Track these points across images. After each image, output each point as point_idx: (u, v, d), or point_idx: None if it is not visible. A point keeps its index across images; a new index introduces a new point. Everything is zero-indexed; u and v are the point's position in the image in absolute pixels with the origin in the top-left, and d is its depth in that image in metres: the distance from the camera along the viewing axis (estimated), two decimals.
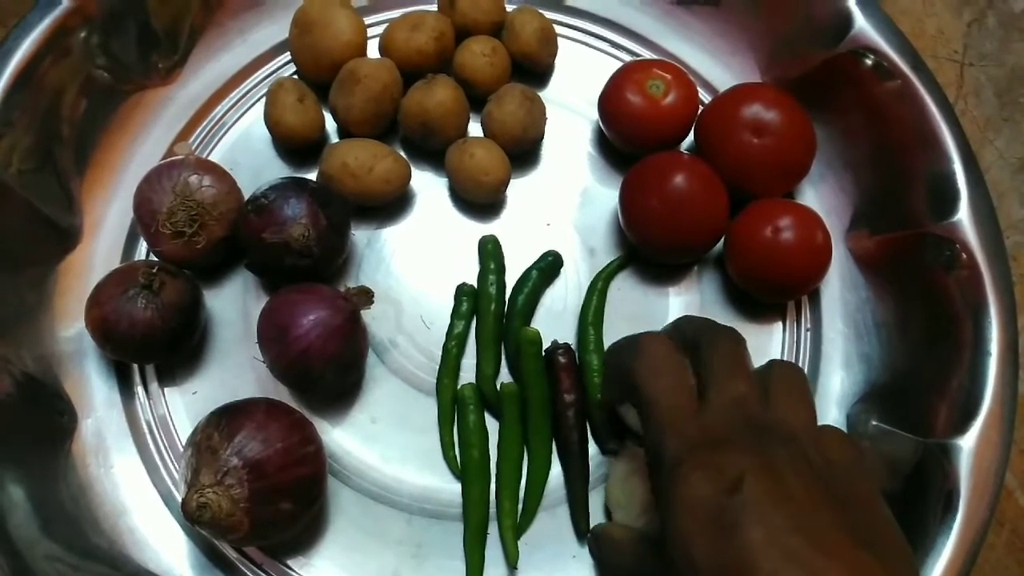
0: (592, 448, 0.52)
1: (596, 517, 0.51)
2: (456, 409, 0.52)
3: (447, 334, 0.54)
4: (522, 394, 0.52)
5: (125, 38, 0.55)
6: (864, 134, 0.56)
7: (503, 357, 0.54)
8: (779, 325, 0.56)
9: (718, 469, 0.34)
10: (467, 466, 0.51)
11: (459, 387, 0.53)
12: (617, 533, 0.45)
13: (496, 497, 0.51)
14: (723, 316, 0.55)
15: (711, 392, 0.37)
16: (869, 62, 0.54)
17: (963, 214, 0.50)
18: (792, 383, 0.39)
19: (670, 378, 0.39)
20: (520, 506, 0.51)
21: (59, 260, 0.53)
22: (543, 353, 0.53)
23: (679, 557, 0.33)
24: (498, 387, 0.52)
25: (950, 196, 0.51)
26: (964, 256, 0.50)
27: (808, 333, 0.55)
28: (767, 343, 0.55)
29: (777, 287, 0.53)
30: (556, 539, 0.50)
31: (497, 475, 0.51)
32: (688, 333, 0.41)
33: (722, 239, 0.55)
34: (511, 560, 0.49)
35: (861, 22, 0.54)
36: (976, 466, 0.46)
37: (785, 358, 0.55)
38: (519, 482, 0.51)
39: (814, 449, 0.36)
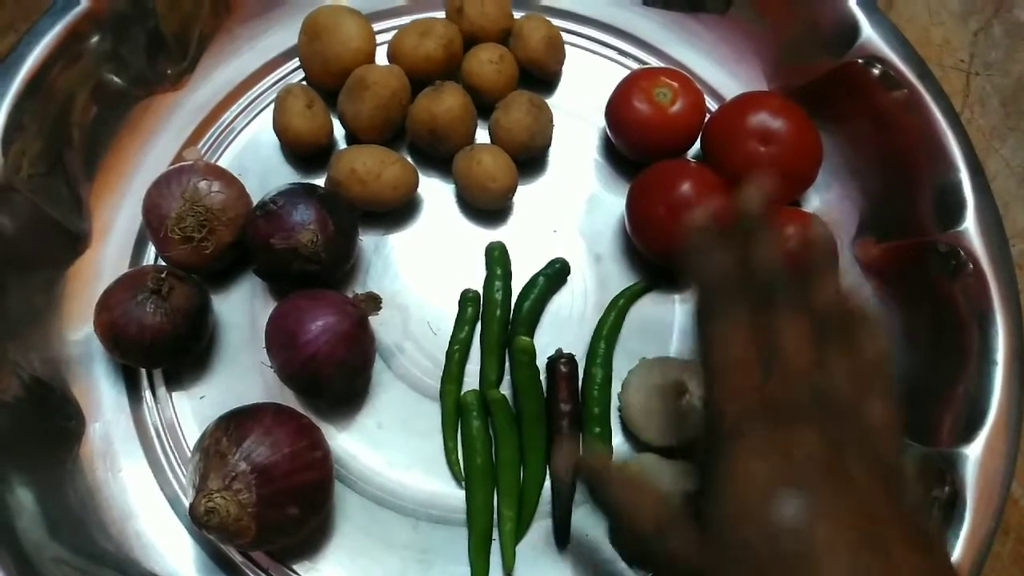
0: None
1: (578, 528, 0.51)
2: (460, 415, 0.53)
3: (451, 339, 0.54)
4: (516, 403, 0.52)
5: (135, 44, 0.55)
6: (870, 143, 0.56)
7: (507, 364, 0.54)
8: None
9: (781, 449, 0.32)
10: (470, 472, 0.51)
11: (462, 393, 0.53)
12: (636, 484, 0.38)
13: (497, 503, 0.51)
14: None
15: (778, 361, 0.35)
16: (876, 71, 0.54)
17: (969, 223, 0.50)
18: (843, 336, 0.36)
19: (738, 347, 0.35)
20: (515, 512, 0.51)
21: (68, 264, 0.53)
22: (546, 360, 0.53)
23: (728, 534, 0.31)
24: (490, 395, 0.52)
25: (956, 205, 0.51)
26: (970, 265, 0.50)
27: None
28: None
29: None
30: (556, 546, 0.51)
31: (496, 481, 0.51)
32: (758, 276, 0.37)
33: None
34: (507, 566, 0.49)
35: (868, 31, 0.54)
36: (982, 475, 0.46)
37: None
38: (517, 488, 0.51)
39: (877, 434, 0.34)
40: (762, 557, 0.30)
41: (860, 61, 0.55)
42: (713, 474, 0.33)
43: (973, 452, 0.46)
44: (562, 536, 0.50)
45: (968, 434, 0.47)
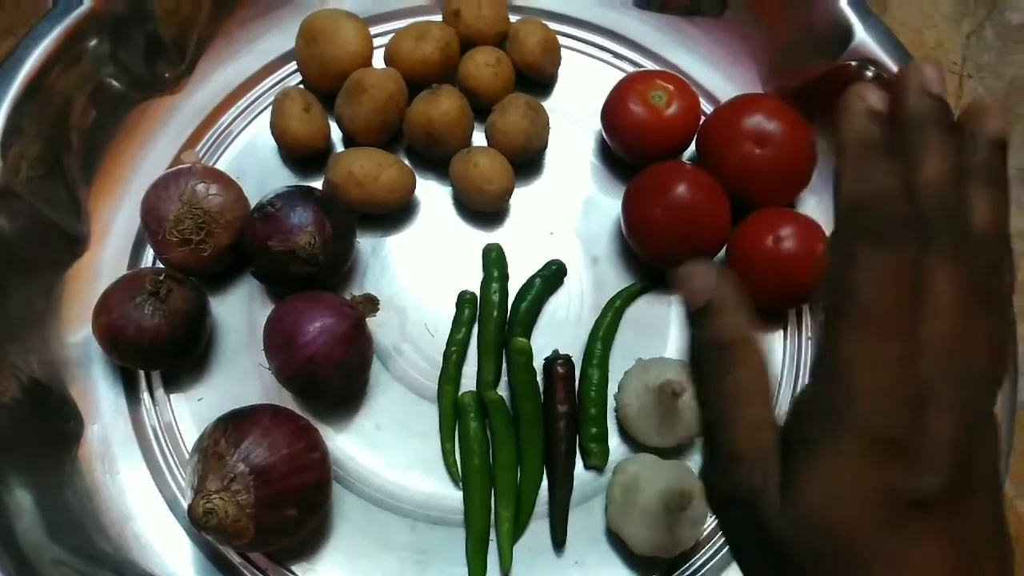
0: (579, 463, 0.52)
1: (575, 528, 0.51)
2: (457, 416, 0.53)
3: (448, 341, 0.54)
4: (513, 404, 0.52)
5: (133, 47, 0.56)
6: None
7: (505, 365, 0.54)
8: (780, 334, 0.56)
9: (914, 449, 0.25)
10: (468, 473, 0.51)
11: (460, 394, 0.53)
12: (757, 387, 0.29)
13: (494, 504, 0.51)
14: None
15: (925, 324, 0.26)
16: (869, 74, 0.55)
17: None
18: (1003, 305, 0.28)
19: (888, 293, 0.26)
20: (512, 513, 0.51)
21: (67, 267, 0.54)
22: (543, 361, 0.53)
23: (818, 519, 0.26)
24: (487, 396, 0.53)
25: None
26: None
27: (809, 342, 0.56)
28: (769, 351, 0.55)
29: (778, 296, 0.53)
30: (553, 547, 0.51)
31: (493, 482, 0.51)
32: (923, 201, 0.27)
33: (724, 248, 0.55)
34: (504, 567, 0.50)
35: (862, 34, 0.55)
36: None
37: (786, 366, 0.55)
38: (514, 489, 0.51)
39: (997, 430, 0.28)
40: (843, 564, 0.26)
41: (854, 64, 0.55)
42: (819, 439, 0.27)
43: None
44: (559, 537, 0.50)
45: None
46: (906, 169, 0.28)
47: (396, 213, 0.57)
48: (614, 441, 0.53)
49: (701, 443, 0.30)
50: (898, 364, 0.26)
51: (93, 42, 0.53)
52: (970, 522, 0.26)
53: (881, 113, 0.29)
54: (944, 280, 0.26)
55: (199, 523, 0.42)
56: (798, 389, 0.54)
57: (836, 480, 0.26)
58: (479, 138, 0.59)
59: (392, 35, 0.58)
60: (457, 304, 0.55)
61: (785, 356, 0.55)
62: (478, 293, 0.56)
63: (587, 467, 0.52)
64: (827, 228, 0.53)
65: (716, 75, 0.62)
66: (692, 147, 0.58)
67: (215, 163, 0.58)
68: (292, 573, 0.49)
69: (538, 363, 0.53)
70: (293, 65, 0.60)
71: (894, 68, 0.54)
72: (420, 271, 0.57)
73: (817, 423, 0.27)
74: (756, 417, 0.29)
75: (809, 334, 0.56)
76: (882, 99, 0.29)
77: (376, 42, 0.59)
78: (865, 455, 0.26)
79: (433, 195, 0.58)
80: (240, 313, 0.55)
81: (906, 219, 0.27)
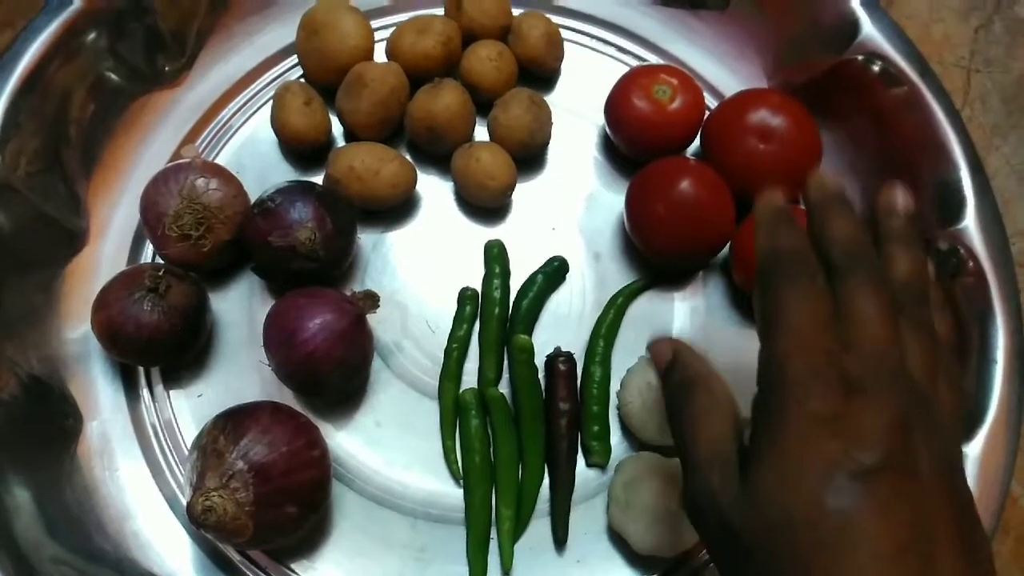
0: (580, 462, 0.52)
1: (576, 526, 0.50)
2: (458, 414, 0.52)
3: (449, 337, 0.54)
4: (515, 401, 0.52)
5: (132, 41, 0.55)
6: (871, 140, 0.56)
7: (506, 362, 0.54)
8: None
9: (849, 425, 0.29)
10: (469, 471, 0.51)
11: (461, 392, 0.53)
12: (708, 400, 0.35)
13: (495, 502, 0.51)
14: (728, 322, 0.55)
15: (854, 331, 0.31)
16: (876, 68, 0.54)
17: (969, 221, 0.50)
18: (923, 321, 0.33)
19: (812, 306, 0.32)
20: (514, 511, 0.51)
21: (66, 262, 0.53)
22: (545, 359, 0.53)
23: (770, 502, 0.29)
24: (489, 393, 0.52)
25: (956, 203, 0.51)
26: (970, 263, 0.50)
27: None
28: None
29: None
30: (554, 546, 0.51)
31: (494, 480, 0.51)
32: (833, 253, 0.33)
33: (727, 245, 0.55)
34: (505, 565, 0.49)
35: (868, 28, 0.54)
36: (982, 473, 0.46)
37: None
38: (515, 487, 0.51)
39: (944, 422, 0.31)
40: (800, 537, 0.28)
41: (860, 58, 0.54)
42: (765, 430, 0.31)
43: (972, 451, 0.46)
44: (560, 535, 0.50)
45: (967, 432, 0.47)
46: (814, 234, 0.35)
47: (397, 208, 0.57)
48: (616, 439, 0.53)
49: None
50: (825, 355, 0.30)
51: (92, 36, 0.53)
52: (916, 495, 0.28)
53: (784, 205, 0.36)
54: (864, 298, 0.31)
55: (198, 521, 0.42)
56: None
57: (783, 460, 0.29)
58: (481, 133, 0.58)
59: (393, 29, 0.58)
60: (458, 301, 0.55)
61: None
62: (479, 289, 0.55)
63: (589, 465, 0.52)
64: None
65: (720, 70, 0.61)
66: (696, 142, 0.57)
67: (215, 158, 0.58)
68: (292, 571, 0.49)
69: (540, 360, 0.53)
70: (294, 59, 0.60)
71: (901, 63, 0.54)
72: (421, 267, 0.56)
73: (763, 417, 0.31)
74: (715, 432, 0.33)
75: None
76: (783, 198, 0.37)
77: (377, 36, 0.58)
78: (805, 435, 0.29)
79: (434, 190, 0.58)
80: (240, 309, 0.54)
81: (813, 263, 0.33)
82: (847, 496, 0.28)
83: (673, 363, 0.37)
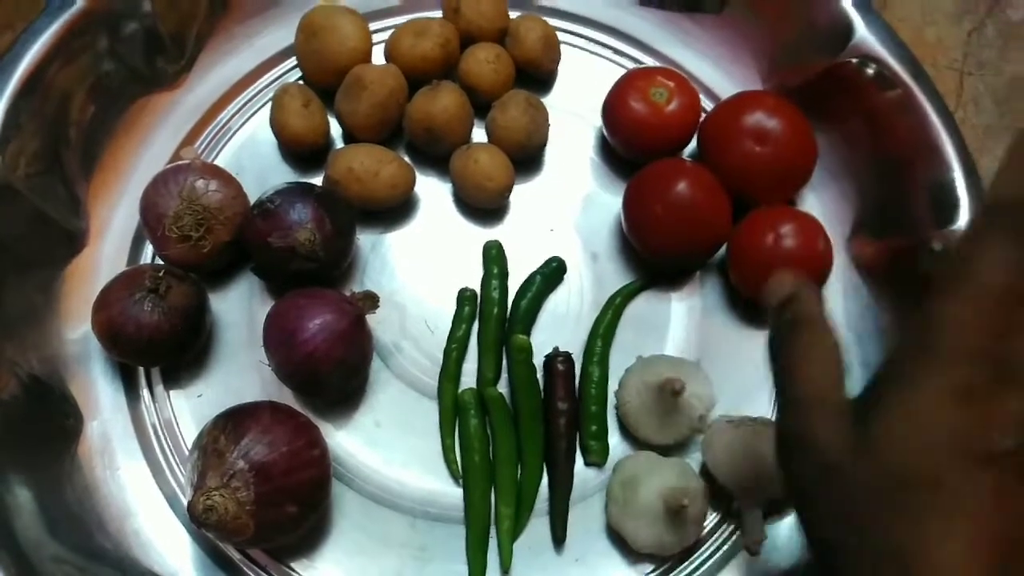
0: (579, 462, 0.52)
1: (575, 525, 0.51)
2: (457, 413, 0.53)
3: (448, 337, 0.54)
4: (513, 401, 0.52)
5: (132, 43, 0.55)
6: (865, 142, 0.56)
7: (505, 362, 0.54)
8: None
9: (994, 408, 0.28)
10: (468, 470, 0.51)
11: (460, 392, 0.53)
12: (827, 346, 0.34)
13: (494, 501, 0.51)
14: (725, 322, 0.56)
15: None
16: (870, 71, 0.54)
17: (963, 221, 0.51)
18: None
19: (1006, 274, 0.28)
20: (513, 510, 0.51)
21: (66, 263, 0.54)
22: (543, 359, 0.53)
23: (893, 452, 0.29)
24: (488, 393, 0.52)
25: (950, 203, 0.51)
26: None
27: None
28: None
29: None
30: (553, 545, 0.51)
31: (493, 479, 0.51)
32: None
33: (724, 246, 0.55)
34: (504, 564, 0.50)
35: (862, 31, 0.55)
36: None
37: None
38: (515, 486, 0.51)
39: None
40: (917, 497, 0.28)
41: (855, 61, 0.55)
42: (899, 384, 0.29)
43: None
44: (559, 534, 0.50)
45: None
46: None
47: (396, 209, 0.57)
48: (614, 439, 0.53)
49: (774, 397, 0.35)
50: (995, 336, 0.28)
51: (92, 38, 0.53)
52: None
53: None
54: None
55: (199, 520, 0.42)
56: None
57: (916, 418, 0.28)
58: (479, 134, 0.59)
59: (392, 31, 0.58)
60: (457, 301, 0.55)
61: None
62: (478, 290, 0.56)
63: (587, 464, 0.52)
64: (827, 225, 0.53)
65: (716, 72, 0.62)
66: (693, 144, 0.58)
67: (214, 159, 0.58)
68: (292, 570, 0.49)
69: (538, 360, 0.53)
70: (293, 61, 0.60)
71: (895, 65, 0.54)
72: (420, 268, 0.56)
73: (908, 363, 0.29)
74: (820, 371, 0.33)
75: None
76: None
77: (376, 38, 0.58)
78: (948, 398, 0.28)
79: (433, 191, 0.58)
80: (240, 309, 0.55)
81: None
82: (973, 470, 0.27)
83: (790, 299, 0.36)
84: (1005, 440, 0.27)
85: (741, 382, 0.54)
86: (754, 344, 0.55)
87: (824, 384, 0.32)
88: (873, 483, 0.29)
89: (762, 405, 0.54)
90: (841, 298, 0.56)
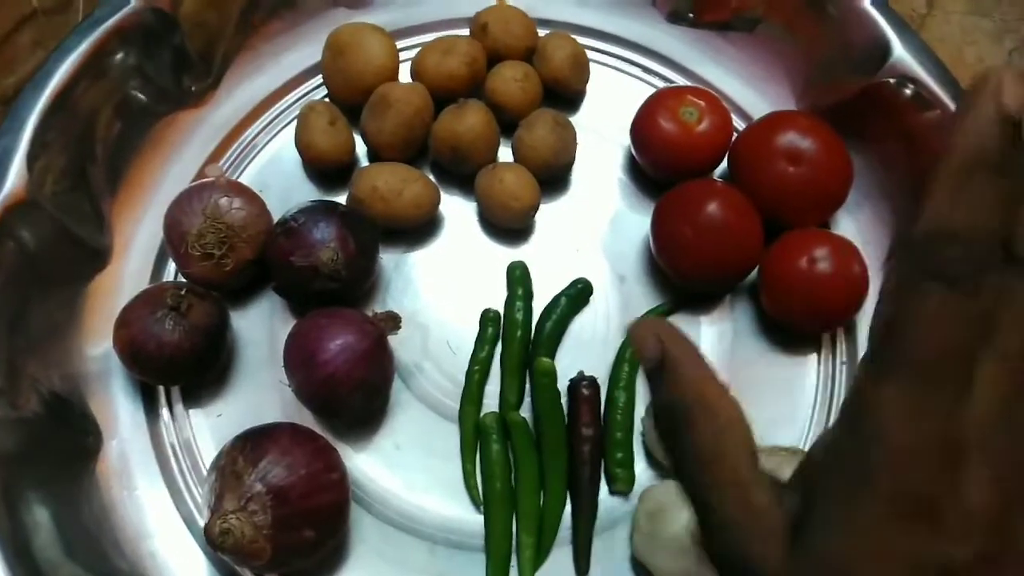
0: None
1: (599, 556, 0.49)
2: (479, 438, 0.52)
3: (471, 359, 0.53)
4: (536, 426, 0.51)
5: (160, 61, 0.56)
6: (902, 163, 0.55)
7: (528, 386, 0.53)
8: (814, 357, 0.54)
9: (939, 524, 0.24)
10: (489, 497, 0.50)
11: (481, 416, 0.52)
12: (732, 425, 0.28)
13: (516, 529, 0.50)
14: (756, 347, 0.54)
15: (982, 385, 0.23)
16: (908, 91, 0.53)
17: None
18: None
19: (949, 341, 0.23)
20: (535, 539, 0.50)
21: (89, 280, 0.53)
22: (567, 383, 0.52)
23: None
24: (510, 418, 0.51)
25: None
26: None
27: (844, 366, 0.54)
28: (802, 376, 0.54)
29: (812, 319, 0.52)
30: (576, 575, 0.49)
31: (515, 507, 0.50)
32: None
33: (756, 269, 0.54)
34: None
35: (899, 50, 0.53)
36: None
37: (820, 391, 0.53)
38: (537, 514, 0.50)
39: None
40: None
41: (891, 81, 0.53)
42: (838, 497, 0.25)
43: None
44: (583, 565, 0.49)
45: None
46: (1016, 204, 0.23)
47: (420, 229, 0.56)
48: (640, 466, 0.51)
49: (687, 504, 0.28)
50: (941, 420, 0.23)
51: (120, 56, 0.53)
52: None
53: (1013, 125, 0.23)
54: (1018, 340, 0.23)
55: (215, 543, 0.42)
56: (830, 421, 0.52)
57: (859, 542, 0.24)
58: (505, 154, 0.58)
59: (418, 49, 0.58)
60: (480, 322, 0.54)
61: (819, 382, 0.54)
62: (502, 311, 0.55)
63: (612, 493, 0.51)
64: (863, 249, 0.52)
65: (749, 91, 0.61)
66: (724, 164, 0.56)
67: (239, 176, 0.58)
68: None
69: (562, 384, 0.52)
70: (319, 79, 0.60)
71: (933, 86, 0.52)
72: (443, 288, 0.56)
73: (842, 477, 0.25)
74: (738, 477, 0.27)
75: (844, 359, 0.54)
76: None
77: (402, 56, 0.58)
78: (893, 517, 0.24)
79: (458, 211, 0.58)
80: (261, 328, 0.54)
81: (994, 266, 0.23)
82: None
83: (662, 369, 0.28)
84: (962, 551, 0.23)
85: (773, 410, 0.52)
86: (786, 372, 0.53)
87: (746, 495, 0.27)
88: None
89: (794, 434, 0.52)
90: None
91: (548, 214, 0.57)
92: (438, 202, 0.55)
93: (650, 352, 0.28)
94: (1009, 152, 0.23)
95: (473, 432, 0.52)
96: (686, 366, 0.28)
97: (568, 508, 0.50)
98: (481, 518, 0.50)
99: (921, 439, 0.23)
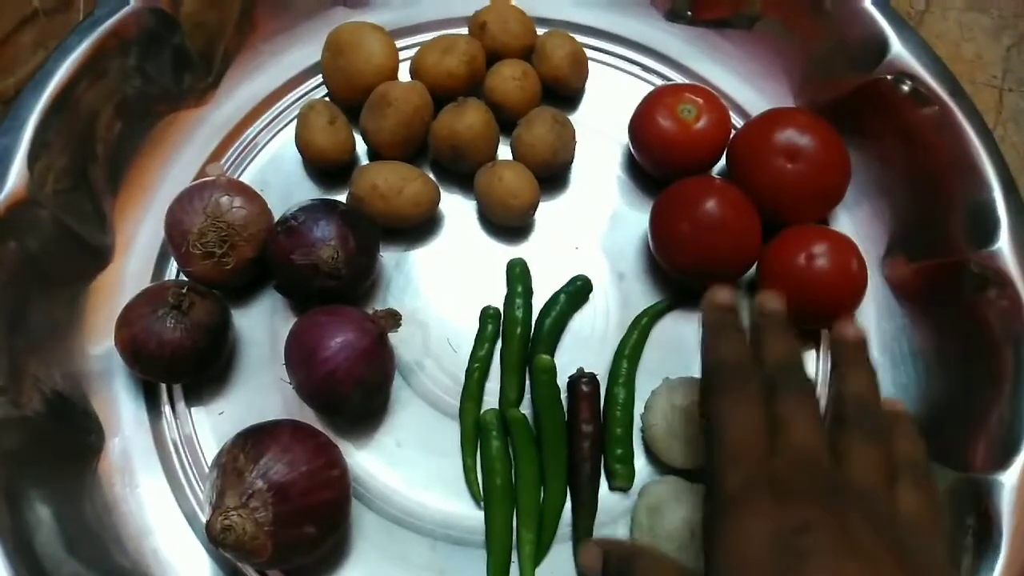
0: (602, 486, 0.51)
1: None
2: (479, 434, 0.52)
3: (471, 357, 0.54)
4: (536, 423, 0.51)
5: (160, 61, 0.56)
6: (900, 160, 0.55)
7: (528, 382, 0.53)
8: (813, 353, 0.55)
9: (781, 517, 0.32)
10: (490, 493, 0.50)
11: (482, 412, 0.52)
12: (650, 559, 0.38)
13: (516, 525, 0.50)
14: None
15: (783, 439, 0.35)
16: (906, 87, 0.53)
17: (1003, 242, 0.49)
18: (868, 427, 0.37)
19: (746, 418, 0.36)
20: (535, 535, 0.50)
21: (90, 279, 0.54)
22: (567, 380, 0.52)
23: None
24: (510, 414, 0.52)
25: (989, 224, 0.50)
26: (1004, 285, 0.49)
27: None
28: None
29: (811, 315, 0.52)
30: (576, 571, 0.49)
31: (516, 503, 0.50)
32: (769, 366, 0.39)
33: (754, 266, 0.54)
34: None
35: (897, 47, 0.53)
36: (1019, 503, 0.44)
37: (819, 387, 0.53)
38: (537, 510, 0.50)
39: (891, 507, 0.34)
40: None
41: (889, 77, 0.54)
42: (714, 542, 0.33)
43: (1009, 480, 0.45)
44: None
45: (1003, 460, 0.45)
46: (755, 347, 0.40)
47: (420, 227, 0.57)
48: (640, 462, 0.52)
49: None
50: (757, 463, 0.34)
51: (121, 55, 0.54)
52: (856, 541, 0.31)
53: (732, 305, 0.42)
54: (792, 407, 0.36)
55: (216, 540, 0.42)
56: (827, 416, 0.52)
57: (734, 537, 0.32)
58: (504, 152, 0.58)
59: (418, 48, 0.58)
60: (480, 320, 0.55)
61: (818, 377, 0.54)
62: (501, 309, 0.55)
63: (612, 489, 0.51)
64: (861, 245, 0.52)
65: (747, 88, 0.61)
66: (722, 162, 0.57)
67: (240, 175, 0.58)
68: None
69: (562, 381, 0.52)
70: (318, 78, 0.60)
71: (931, 82, 0.53)
72: (443, 286, 0.56)
73: (708, 512, 0.35)
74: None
75: None
76: (731, 297, 0.42)
77: (402, 55, 0.58)
78: (745, 508, 0.33)
79: (457, 209, 0.58)
80: (262, 327, 0.54)
81: (751, 376, 0.38)
82: (787, 558, 0.30)
83: (607, 567, 0.38)
84: (804, 510, 0.32)
85: None
86: None
87: None
88: None
89: None
90: (875, 320, 0.55)
91: (547, 212, 0.58)
92: (438, 200, 0.56)
93: (594, 566, 0.38)
94: (738, 321, 0.41)
95: (473, 429, 0.52)
96: (623, 558, 0.38)
97: (568, 504, 0.50)
98: (481, 514, 0.50)
99: (748, 480, 0.34)
